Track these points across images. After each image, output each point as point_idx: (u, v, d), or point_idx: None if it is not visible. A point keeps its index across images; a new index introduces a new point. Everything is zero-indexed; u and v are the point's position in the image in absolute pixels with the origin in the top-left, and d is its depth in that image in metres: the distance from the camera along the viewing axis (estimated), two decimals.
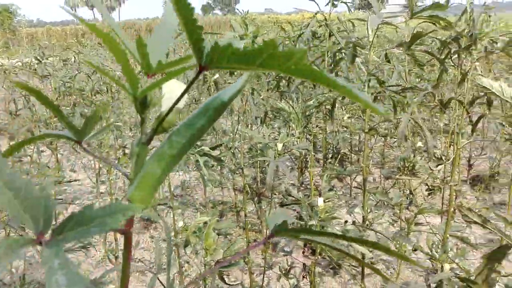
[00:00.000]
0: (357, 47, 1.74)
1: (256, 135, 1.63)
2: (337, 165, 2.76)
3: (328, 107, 2.47)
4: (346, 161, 3.42)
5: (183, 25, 0.29)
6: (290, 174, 3.54)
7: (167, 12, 0.40)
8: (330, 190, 3.62)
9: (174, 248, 1.73)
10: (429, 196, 3.16)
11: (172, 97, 0.37)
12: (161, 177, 0.36)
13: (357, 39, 1.73)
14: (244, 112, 2.79)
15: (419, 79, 3.68)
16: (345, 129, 3.23)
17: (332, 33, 2.41)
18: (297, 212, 1.72)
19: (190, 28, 0.28)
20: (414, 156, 2.52)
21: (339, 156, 2.65)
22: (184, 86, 0.40)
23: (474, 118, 2.19)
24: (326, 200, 1.56)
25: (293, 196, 1.61)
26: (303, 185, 3.35)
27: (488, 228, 1.02)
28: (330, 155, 2.95)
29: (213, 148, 2.00)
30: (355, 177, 3.18)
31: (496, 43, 2.11)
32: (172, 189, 3.62)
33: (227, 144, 2.19)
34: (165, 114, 0.37)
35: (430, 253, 1.32)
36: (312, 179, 1.76)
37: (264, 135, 1.63)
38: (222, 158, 2.09)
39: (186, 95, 0.36)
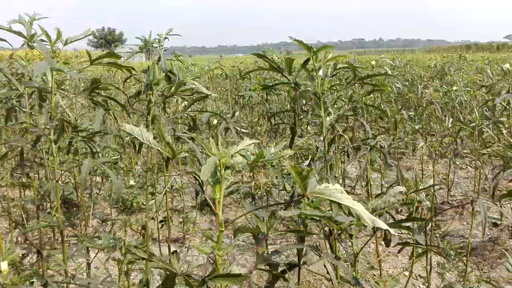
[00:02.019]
0: (42, 92, 1.65)
1: None
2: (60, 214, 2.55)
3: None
4: (75, 208, 3.22)
5: None
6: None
7: None
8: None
9: None
10: (162, 228, 3.30)
11: None
12: None
13: (41, 84, 1.65)
14: None
15: None
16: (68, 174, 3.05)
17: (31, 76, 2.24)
18: None
19: None
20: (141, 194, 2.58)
21: (60, 204, 2.46)
22: None
23: None
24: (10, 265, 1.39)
25: None
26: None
27: (153, 261, 1.11)
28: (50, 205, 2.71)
29: None
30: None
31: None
32: None
33: None
34: None
35: None
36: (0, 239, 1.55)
37: None
38: None
39: None
